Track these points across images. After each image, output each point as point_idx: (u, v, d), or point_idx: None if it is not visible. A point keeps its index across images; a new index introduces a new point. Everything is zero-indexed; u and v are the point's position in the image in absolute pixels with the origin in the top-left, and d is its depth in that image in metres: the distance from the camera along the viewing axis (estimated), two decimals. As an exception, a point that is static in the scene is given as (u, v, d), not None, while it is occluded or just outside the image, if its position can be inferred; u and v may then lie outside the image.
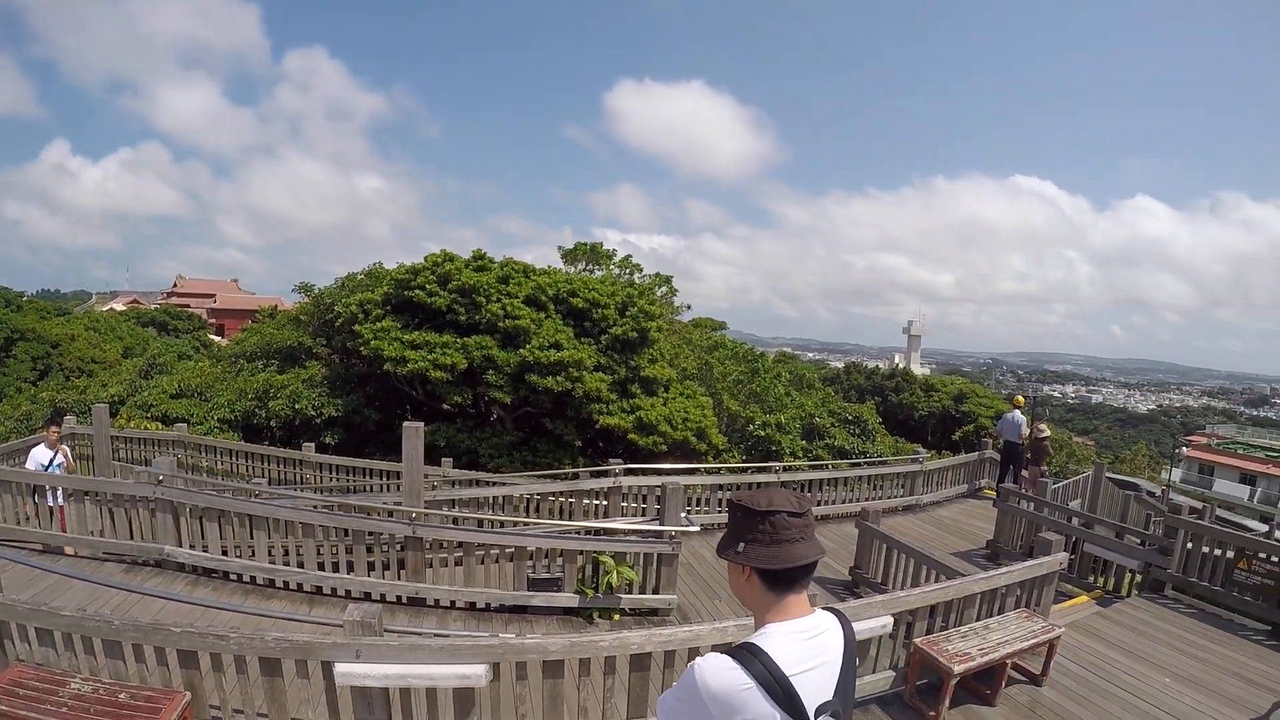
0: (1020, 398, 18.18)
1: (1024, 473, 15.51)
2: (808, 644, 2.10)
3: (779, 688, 1.97)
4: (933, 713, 6.32)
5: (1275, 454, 58.73)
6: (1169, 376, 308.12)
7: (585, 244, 28.35)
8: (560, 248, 28.48)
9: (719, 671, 1.99)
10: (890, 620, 6.28)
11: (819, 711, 2.05)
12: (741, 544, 2.15)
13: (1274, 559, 9.57)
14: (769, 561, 2.09)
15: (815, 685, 2.06)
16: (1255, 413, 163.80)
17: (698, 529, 9.54)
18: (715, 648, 3.66)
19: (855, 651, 2.22)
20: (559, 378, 17.69)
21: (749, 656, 2.01)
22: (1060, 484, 14.24)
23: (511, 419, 19.78)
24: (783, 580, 2.12)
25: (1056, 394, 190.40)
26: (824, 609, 2.26)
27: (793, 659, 2.04)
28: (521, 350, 18.01)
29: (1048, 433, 16.34)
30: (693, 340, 24.71)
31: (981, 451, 18.37)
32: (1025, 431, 16.15)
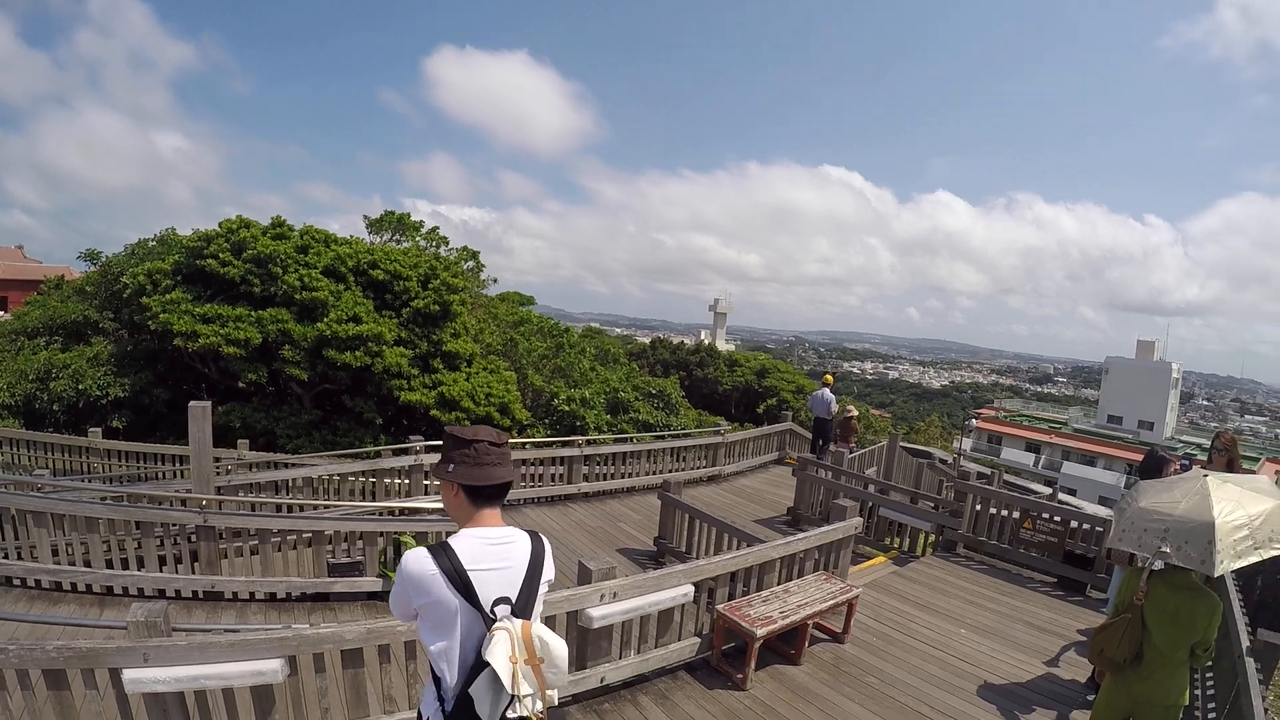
0: (829, 376, 18.81)
1: (832, 447, 16.11)
2: (491, 548, 2.61)
3: (458, 577, 2.50)
4: (740, 675, 6.38)
5: (1056, 425, 65.34)
6: (961, 356, 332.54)
7: (392, 213, 27.22)
8: (366, 217, 27.21)
9: (415, 560, 2.53)
10: (691, 588, 6.27)
11: (496, 603, 2.55)
12: (452, 465, 2.68)
13: (1055, 519, 10.33)
14: (472, 480, 2.65)
15: (493, 583, 2.57)
16: (1039, 389, 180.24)
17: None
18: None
19: (541, 564, 2.72)
20: (358, 353, 17.06)
21: (439, 551, 2.54)
22: (857, 453, 14.78)
23: (310, 397, 18.87)
24: (481, 496, 2.69)
25: (855, 370, 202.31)
26: (525, 530, 2.77)
27: (473, 557, 2.56)
28: (319, 324, 17.22)
29: (855, 413, 17.10)
30: (499, 315, 24.17)
31: (783, 423, 18.82)
32: (834, 408, 16.73)
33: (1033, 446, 59.99)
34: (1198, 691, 6.86)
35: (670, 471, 14.54)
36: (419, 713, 2.74)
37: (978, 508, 10.97)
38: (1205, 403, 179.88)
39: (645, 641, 6.24)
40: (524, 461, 12.81)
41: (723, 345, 58.62)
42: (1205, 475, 4.81)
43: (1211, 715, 6.17)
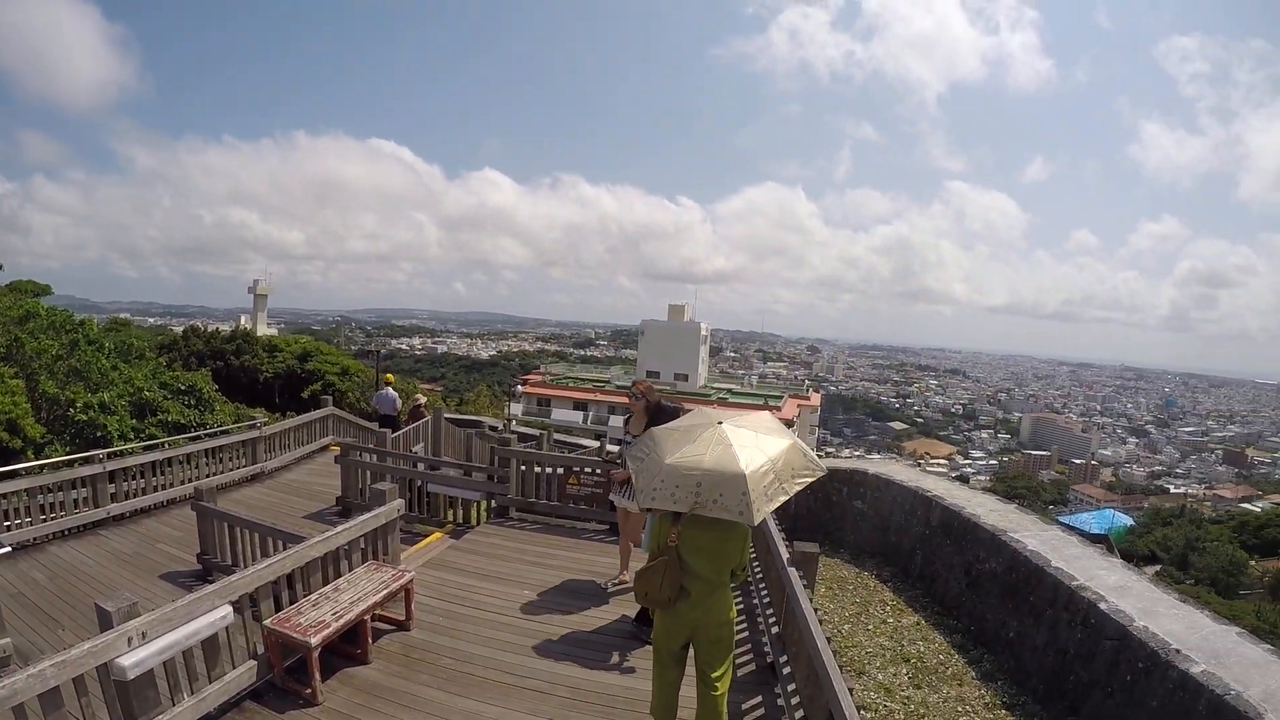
0: (391, 375, 18.67)
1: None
2: None
3: None
4: (308, 690, 6.05)
5: (599, 384, 71.51)
6: (508, 326, 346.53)
7: None
8: None
9: None
10: (229, 609, 5.76)
11: None
12: None
13: (596, 471, 11.19)
14: None
15: None
16: (583, 352, 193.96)
17: (8, 549, 7.98)
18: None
19: None
20: None
21: None
22: (401, 431, 14.77)
23: None
24: None
25: (405, 347, 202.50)
26: None
27: None
28: None
29: (423, 400, 17.12)
30: (1, 310, 20.28)
31: (324, 409, 18.22)
32: (400, 404, 16.51)
33: (580, 405, 64.83)
34: (755, 601, 7.93)
35: (210, 475, 13.31)
36: None
37: (523, 470, 11.47)
38: (733, 354, 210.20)
39: (196, 679, 5.58)
40: (42, 489, 10.81)
41: (265, 330, 54.83)
42: (720, 422, 5.27)
43: (772, 618, 7.17)
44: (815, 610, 5.80)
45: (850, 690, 4.60)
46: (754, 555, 9.02)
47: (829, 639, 5.30)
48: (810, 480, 5.17)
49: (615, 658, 6.97)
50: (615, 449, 15.77)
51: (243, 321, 60.80)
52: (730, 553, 5.12)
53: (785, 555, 7.00)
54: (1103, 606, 8.62)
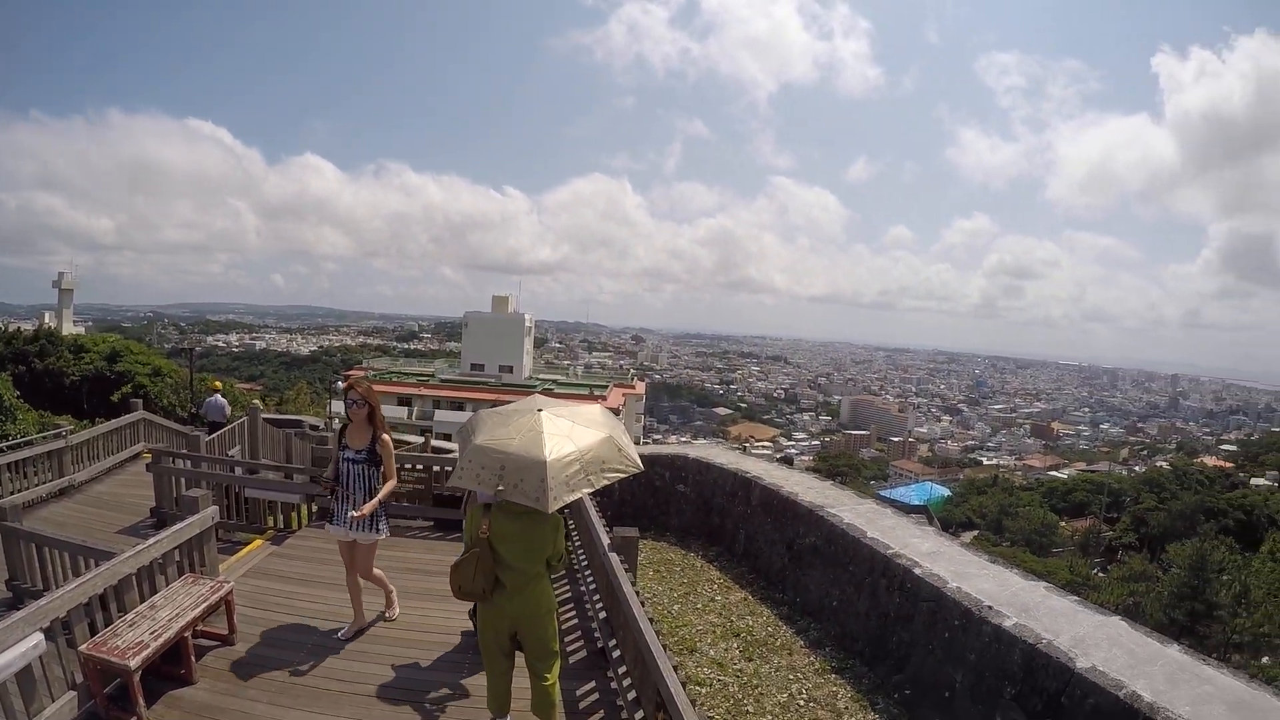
0: (218, 382, 18.02)
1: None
2: None
3: None
4: (133, 717, 5.85)
5: (424, 378, 70.05)
6: (329, 320, 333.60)
7: None
8: None
9: None
10: (40, 638, 5.46)
11: None
12: None
13: (419, 467, 11.37)
14: None
15: None
16: (407, 346, 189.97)
17: None
18: None
19: None
20: None
21: None
22: (214, 435, 14.26)
23: None
24: None
25: (221, 343, 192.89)
26: None
27: None
28: None
29: (258, 405, 16.50)
30: None
31: (135, 413, 17.32)
32: (229, 411, 15.88)
33: (405, 400, 63.61)
34: (583, 589, 8.21)
35: (14, 493, 12.41)
36: None
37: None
38: (558, 345, 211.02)
39: (12, 716, 5.31)
40: None
41: (71, 328, 50.62)
42: (540, 410, 5.47)
43: (599, 603, 7.46)
44: (639, 593, 6.15)
45: (676, 667, 4.93)
46: (578, 543, 9.35)
47: (652, 620, 5.61)
48: (621, 476, 5.43)
49: (449, 654, 7.12)
50: (444, 443, 15.84)
51: (47, 320, 56.00)
52: (542, 542, 5.30)
53: (606, 541, 7.33)
54: (917, 571, 9.31)
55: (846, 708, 8.99)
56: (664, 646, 5.19)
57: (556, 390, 61.03)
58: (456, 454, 6.03)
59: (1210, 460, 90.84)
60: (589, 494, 6.22)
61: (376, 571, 7.59)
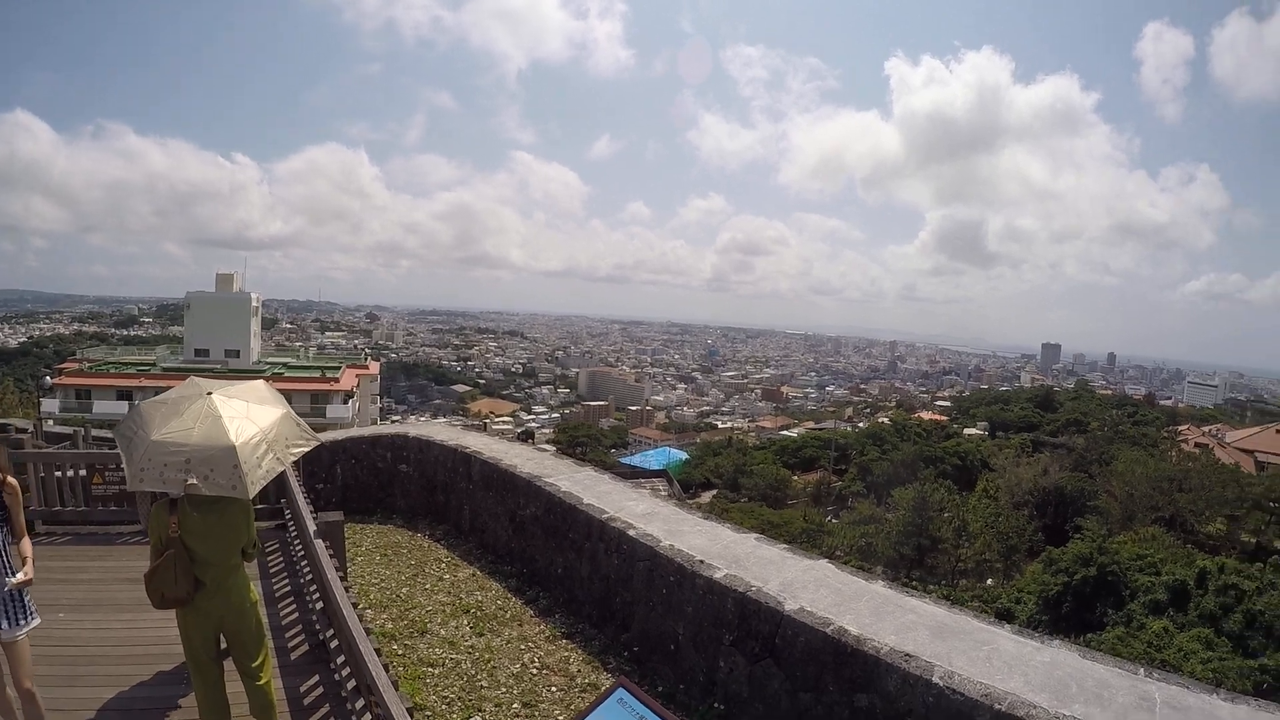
0: None
1: None
2: None
3: None
4: None
5: (145, 367, 65.52)
6: (39, 306, 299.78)
7: None
8: None
9: None
10: None
11: None
12: None
13: (123, 466, 10.43)
14: None
15: None
16: (126, 332, 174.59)
17: None
18: None
19: None
20: None
21: None
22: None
23: None
24: None
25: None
26: None
27: None
28: None
29: None
30: None
31: None
32: None
33: (124, 394, 58.68)
34: (301, 581, 8.01)
35: None
36: None
37: (43, 475, 10.40)
38: (289, 326, 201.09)
39: None
40: None
41: None
42: (210, 393, 5.29)
43: (316, 595, 7.33)
44: (344, 577, 6.13)
45: (380, 654, 4.95)
46: (293, 534, 9.12)
47: (357, 607, 5.62)
48: (306, 449, 5.43)
49: (168, 669, 6.74)
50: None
51: None
52: (236, 531, 5.14)
53: (313, 527, 7.24)
54: (632, 533, 9.68)
55: (579, 670, 9.29)
56: (370, 631, 5.23)
57: (287, 375, 58.65)
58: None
59: (927, 415, 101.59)
60: (295, 476, 6.11)
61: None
